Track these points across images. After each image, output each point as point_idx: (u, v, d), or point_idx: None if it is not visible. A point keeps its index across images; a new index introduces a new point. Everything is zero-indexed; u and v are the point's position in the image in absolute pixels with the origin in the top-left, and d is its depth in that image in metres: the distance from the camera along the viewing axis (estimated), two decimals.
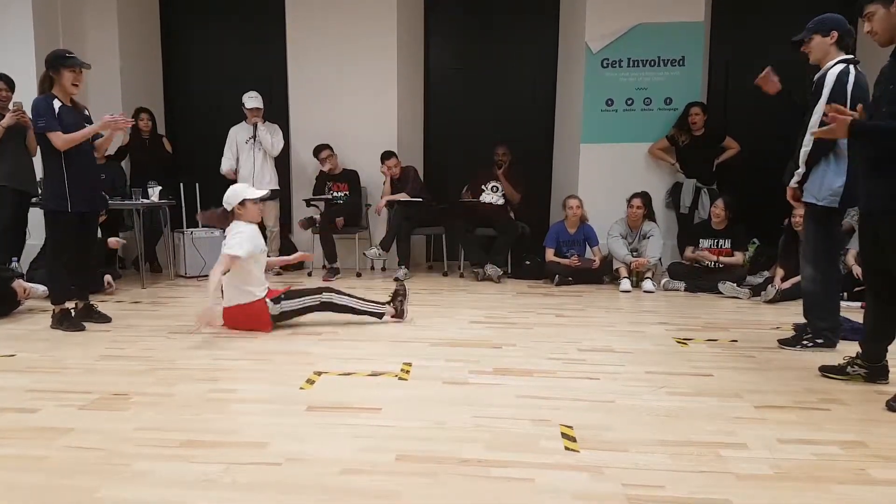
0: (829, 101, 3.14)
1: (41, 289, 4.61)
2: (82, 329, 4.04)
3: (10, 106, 4.85)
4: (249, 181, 6.12)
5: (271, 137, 6.15)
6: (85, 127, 3.99)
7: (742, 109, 6.54)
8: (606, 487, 2.01)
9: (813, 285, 3.55)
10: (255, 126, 6.11)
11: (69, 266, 4.13)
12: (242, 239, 3.86)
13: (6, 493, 1.96)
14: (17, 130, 4.84)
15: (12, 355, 3.48)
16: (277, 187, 6.32)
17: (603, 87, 6.33)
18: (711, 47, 6.45)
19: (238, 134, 6.24)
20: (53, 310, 4.11)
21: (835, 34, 3.36)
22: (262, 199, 4.12)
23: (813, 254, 3.53)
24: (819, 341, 3.59)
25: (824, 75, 3.34)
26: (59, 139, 3.87)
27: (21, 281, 4.57)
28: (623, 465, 2.16)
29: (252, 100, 6.10)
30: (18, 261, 5.06)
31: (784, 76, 3.75)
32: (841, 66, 3.30)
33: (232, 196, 4.02)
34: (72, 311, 4.16)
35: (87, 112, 4.16)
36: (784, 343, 3.71)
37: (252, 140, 6.14)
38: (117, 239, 5.67)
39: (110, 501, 1.92)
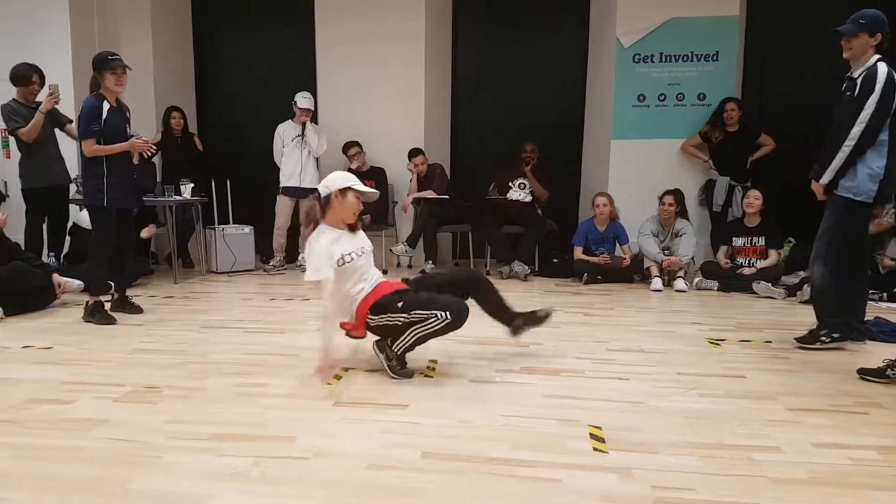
0: (881, 98, 3.19)
1: (76, 283, 4.72)
2: (114, 322, 4.14)
3: (47, 87, 4.98)
4: (293, 178, 6.22)
5: (317, 138, 6.23)
6: (126, 128, 4.18)
7: (777, 106, 6.42)
8: (635, 489, 1.99)
9: (822, 280, 3.52)
10: (304, 125, 6.19)
11: (115, 258, 4.32)
12: (313, 259, 3.09)
13: (43, 482, 2.00)
14: (50, 119, 4.99)
15: (49, 348, 3.57)
16: (317, 186, 6.38)
17: (634, 82, 6.25)
18: (747, 42, 6.32)
19: (285, 131, 6.33)
20: (87, 301, 4.21)
21: (879, 37, 3.30)
22: (366, 199, 3.32)
23: (826, 248, 3.49)
24: (836, 335, 3.54)
25: (873, 73, 3.27)
26: (88, 147, 4.04)
27: (57, 275, 4.68)
28: (653, 467, 2.13)
29: (305, 100, 6.19)
30: (56, 255, 5.19)
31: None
32: (886, 65, 3.27)
33: (335, 180, 3.24)
34: (105, 304, 4.25)
35: (128, 113, 4.28)
36: (801, 341, 3.64)
37: (299, 138, 6.22)
38: (149, 228, 5.76)
39: (142, 492, 1.95)
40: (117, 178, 4.12)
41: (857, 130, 3.29)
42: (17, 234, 5.03)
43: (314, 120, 6.57)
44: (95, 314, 4.16)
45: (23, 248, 4.84)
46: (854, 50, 3.35)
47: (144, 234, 5.65)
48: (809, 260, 3.72)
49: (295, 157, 6.26)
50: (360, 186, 3.23)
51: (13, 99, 5.05)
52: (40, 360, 3.34)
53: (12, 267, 4.35)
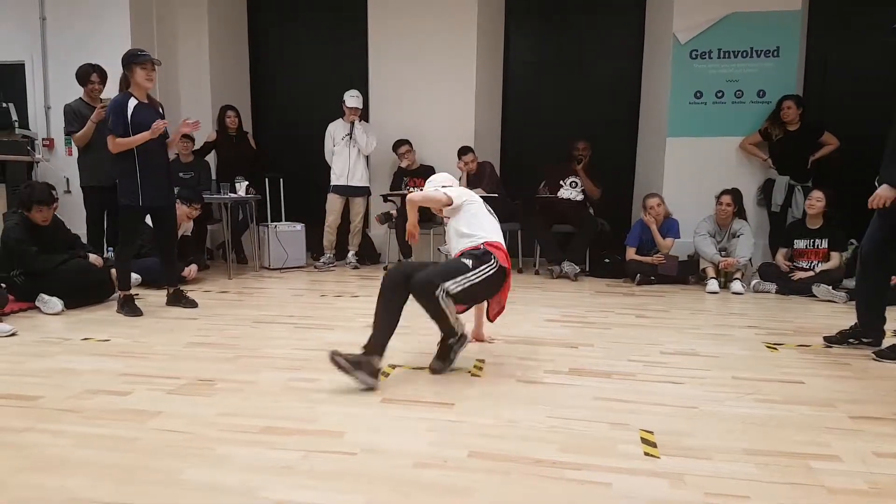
0: None
1: (134, 277, 4.87)
2: (140, 314, 4.28)
3: (100, 100, 5.15)
4: (343, 177, 6.30)
5: (366, 136, 6.28)
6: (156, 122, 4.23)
7: (841, 103, 6.17)
8: (687, 496, 1.93)
9: (863, 283, 3.44)
10: (353, 124, 6.25)
11: (164, 254, 4.57)
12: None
13: (99, 470, 2.07)
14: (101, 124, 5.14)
15: (107, 340, 3.69)
16: (368, 184, 6.48)
17: (691, 79, 6.11)
18: (809, 38, 6.10)
19: (335, 130, 6.42)
20: (119, 295, 4.37)
21: None
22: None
23: (868, 249, 3.38)
24: (866, 340, 3.45)
25: None
26: (112, 142, 4.15)
27: (115, 270, 4.84)
28: (705, 474, 2.06)
29: (353, 99, 6.26)
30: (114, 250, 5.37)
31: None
32: None
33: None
34: (134, 297, 4.44)
35: (161, 109, 4.37)
36: (829, 341, 3.55)
37: (348, 137, 6.29)
38: (190, 269, 5.51)
39: (194, 483, 1.99)
40: (149, 174, 4.21)
41: None
42: (79, 228, 5.24)
43: (365, 118, 6.63)
44: (125, 307, 4.32)
45: (84, 241, 5.03)
46: None
47: (185, 274, 5.41)
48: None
49: (344, 155, 6.33)
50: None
51: (79, 98, 5.25)
52: (99, 352, 3.45)
53: (73, 264, 4.52)
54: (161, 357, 3.36)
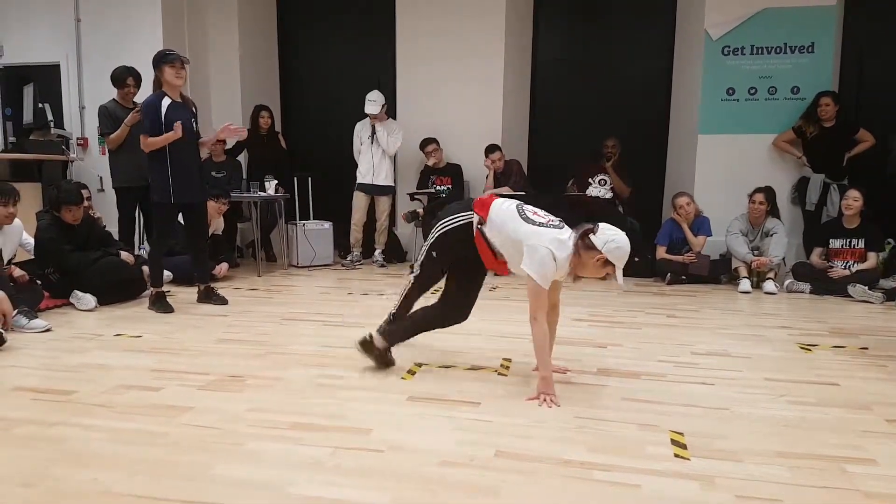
0: None
1: (166, 274, 4.94)
2: (171, 311, 4.33)
3: (134, 103, 5.22)
4: (368, 176, 6.34)
5: (388, 136, 6.31)
6: (192, 123, 4.33)
7: (877, 100, 6.02)
8: (718, 498, 1.90)
9: None
10: (374, 126, 6.29)
11: (196, 252, 4.65)
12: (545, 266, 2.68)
13: (131, 464, 2.10)
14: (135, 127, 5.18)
15: (139, 336, 3.75)
16: (392, 184, 6.50)
17: (723, 75, 6.02)
18: (844, 33, 5.96)
19: (362, 129, 6.47)
20: (151, 292, 4.44)
21: None
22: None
23: None
24: None
25: None
26: (144, 141, 4.23)
27: (147, 268, 4.92)
28: (737, 476, 2.03)
29: (370, 105, 6.25)
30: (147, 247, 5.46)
31: None
32: None
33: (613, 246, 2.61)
34: (166, 294, 4.49)
35: (194, 109, 4.43)
36: None
37: (371, 137, 6.32)
38: (220, 267, 5.56)
39: (224, 478, 2.01)
40: (180, 172, 4.28)
41: None
42: (113, 226, 5.36)
43: (392, 116, 6.64)
44: (157, 304, 4.39)
45: (117, 238, 5.13)
46: None
47: (216, 272, 5.44)
48: None
49: (369, 155, 6.37)
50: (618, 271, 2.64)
51: (112, 99, 5.34)
52: (131, 348, 3.51)
53: (105, 262, 4.60)
54: (191, 353, 3.41)
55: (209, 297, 4.62)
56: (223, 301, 4.61)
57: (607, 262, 2.61)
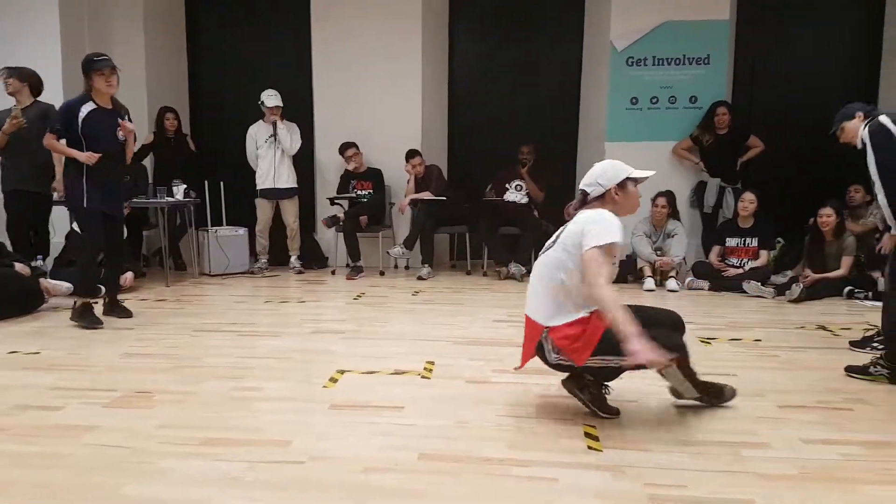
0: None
1: (65, 286, 4.70)
2: (100, 325, 4.09)
3: (12, 111, 4.82)
4: (268, 179, 6.19)
5: (290, 136, 6.19)
6: (116, 129, 4.09)
7: (767, 108, 6.47)
8: (629, 487, 1.99)
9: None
10: (275, 125, 6.16)
11: (109, 262, 4.38)
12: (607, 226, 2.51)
13: (32, 489, 1.98)
14: (38, 133, 4.66)
15: (37, 353, 3.53)
16: (295, 185, 6.36)
17: (628, 85, 6.28)
18: (737, 46, 6.36)
19: (257, 132, 6.30)
20: (75, 302, 4.17)
21: (860, 115, 3.18)
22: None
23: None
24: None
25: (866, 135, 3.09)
26: (48, 139, 4.05)
27: (44, 279, 4.65)
28: (645, 465, 2.14)
29: (271, 98, 6.14)
30: (44, 259, 5.13)
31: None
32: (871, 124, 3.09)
33: (610, 173, 2.73)
34: (93, 306, 4.21)
35: (127, 115, 4.20)
36: (854, 345, 3.61)
37: (272, 138, 6.19)
38: (127, 276, 5.24)
39: (135, 498, 1.93)
40: (96, 179, 4.06)
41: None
42: (1, 235, 5.03)
43: (309, 121, 6.54)
44: (84, 316, 4.11)
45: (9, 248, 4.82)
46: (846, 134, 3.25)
47: (121, 281, 5.02)
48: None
49: (269, 158, 6.23)
50: (639, 173, 2.71)
51: None
52: (27, 366, 3.30)
53: None
54: (95, 369, 3.23)
55: (113, 309, 4.38)
56: (128, 313, 4.38)
57: (630, 182, 2.73)
